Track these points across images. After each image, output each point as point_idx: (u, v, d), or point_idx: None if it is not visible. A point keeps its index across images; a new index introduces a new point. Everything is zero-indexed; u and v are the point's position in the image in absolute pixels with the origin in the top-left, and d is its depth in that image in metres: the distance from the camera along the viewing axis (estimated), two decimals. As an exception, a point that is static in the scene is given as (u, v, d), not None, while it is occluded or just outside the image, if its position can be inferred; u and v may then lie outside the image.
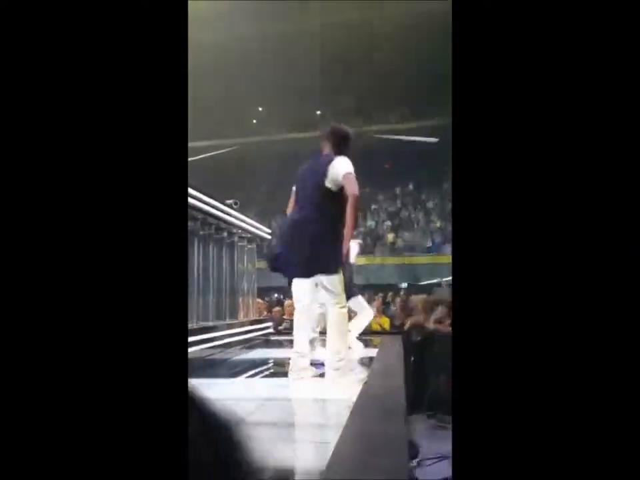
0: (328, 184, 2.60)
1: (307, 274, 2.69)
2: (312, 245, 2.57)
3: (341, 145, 2.76)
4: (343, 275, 2.70)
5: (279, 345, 4.77)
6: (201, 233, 4.08)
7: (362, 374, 2.79)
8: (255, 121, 20.48)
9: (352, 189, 2.53)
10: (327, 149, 2.78)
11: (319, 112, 19.68)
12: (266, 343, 5.01)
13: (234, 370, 3.45)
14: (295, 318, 2.83)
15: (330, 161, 2.65)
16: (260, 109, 20.26)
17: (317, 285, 2.69)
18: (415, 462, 3.51)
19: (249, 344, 4.61)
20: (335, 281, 2.66)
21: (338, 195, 2.59)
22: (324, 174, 2.61)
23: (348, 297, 3.22)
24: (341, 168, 2.59)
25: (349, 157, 2.70)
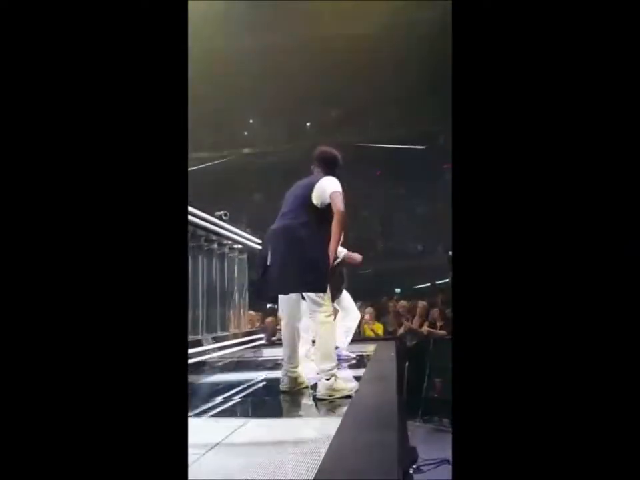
0: (315, 200, 2.67)
1: (290, 290, 2.69)
2: (293, 257, 2.56)
3: (330, 167, 2.86)
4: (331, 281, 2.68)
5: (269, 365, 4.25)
6: (191, 244, 4.07)
7: (353, 382, 2.77)
8: (245, 133, 20.55)
9: (338, 206, 2.60)
10: (316, 171, 2.88)
11: (308, 123, 19.79)
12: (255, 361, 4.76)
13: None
14: (283, 330, 2.81)
15: (318, 179, 2.75)
16: (251, 120, 20.35)
17: (302, 295, 2.68)
18: (413, 467, 3.49)
19: (227, 362, 4.42)
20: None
21: (324, 212, 2.65)
22: (311, 190, 2.69)
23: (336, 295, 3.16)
24: (329, 186, 2.68)
25: (337, 177, 2.79)
